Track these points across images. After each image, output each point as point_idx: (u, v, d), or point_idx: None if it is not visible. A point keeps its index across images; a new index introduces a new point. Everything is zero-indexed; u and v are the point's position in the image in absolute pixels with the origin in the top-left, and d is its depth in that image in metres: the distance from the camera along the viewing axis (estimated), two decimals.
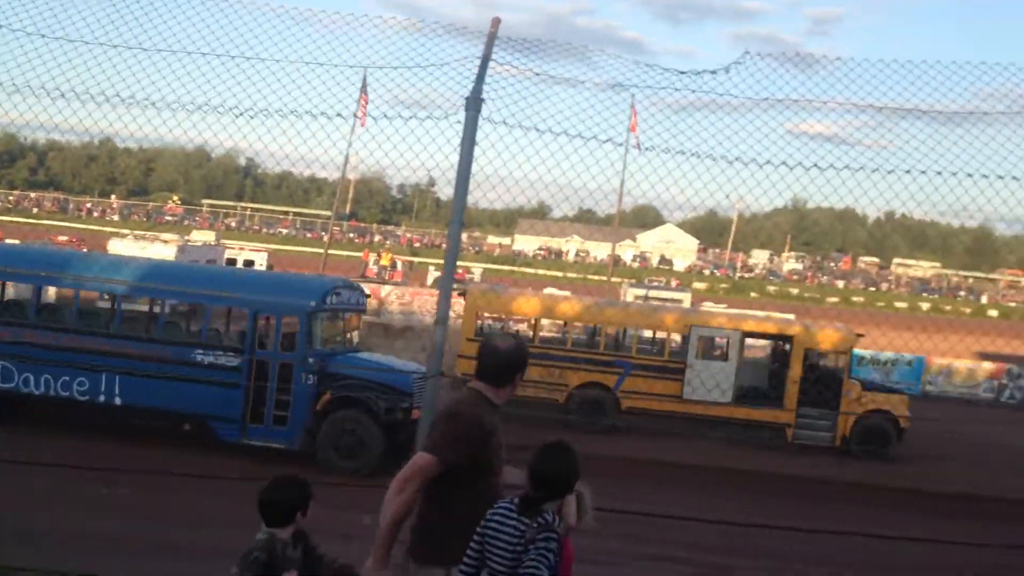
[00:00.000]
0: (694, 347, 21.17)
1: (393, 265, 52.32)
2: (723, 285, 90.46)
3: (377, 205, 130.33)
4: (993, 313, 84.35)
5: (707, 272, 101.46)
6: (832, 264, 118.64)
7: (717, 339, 21.81)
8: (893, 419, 20.18)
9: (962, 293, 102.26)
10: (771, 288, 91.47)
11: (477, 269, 62.42)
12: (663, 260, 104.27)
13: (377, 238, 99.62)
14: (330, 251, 50.01)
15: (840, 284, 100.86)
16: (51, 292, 17.47)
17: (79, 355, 14.36)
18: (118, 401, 14.32)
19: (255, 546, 4.56)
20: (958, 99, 7.18)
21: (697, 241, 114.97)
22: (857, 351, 22.12)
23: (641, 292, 48.29)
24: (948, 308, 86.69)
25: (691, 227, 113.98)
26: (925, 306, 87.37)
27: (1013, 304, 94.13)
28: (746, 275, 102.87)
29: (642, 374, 20.85)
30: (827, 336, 21.15)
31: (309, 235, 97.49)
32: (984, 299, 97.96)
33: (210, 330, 14.83)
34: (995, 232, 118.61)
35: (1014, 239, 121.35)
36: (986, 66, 6.95)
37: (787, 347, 21.48)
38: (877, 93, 7.07)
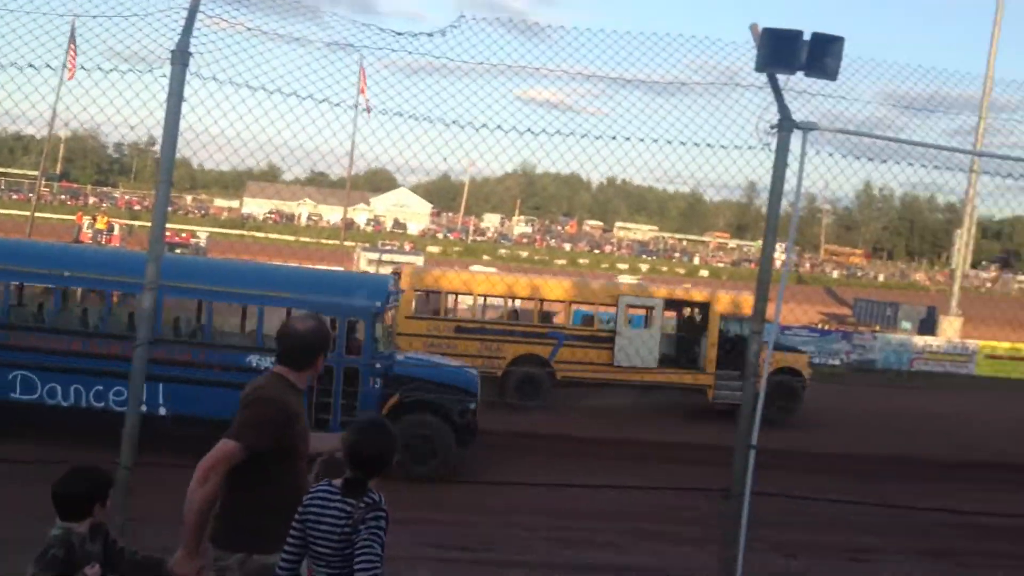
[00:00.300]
0: (622, 316, 21.87)
1: (110, 229, 49.31)
2: (456, 248, 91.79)
3: (92, 165, 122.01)
4: (704, 273, 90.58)
5: (440, 236, 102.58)
6: (559, 227, 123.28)
7: (642, 307, 22.70)
8: (799, 375, 21.78)
9: (677, 254, 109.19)
10: (502, 251, 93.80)
11: (203, 233, 60.01)
12: (397, 224, 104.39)
13: (92, 200, 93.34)
14: (38, 214, 46.40)
15: (567, 247, 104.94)
16: (73, 294, 14.76)
17: (115, 362, 12.40)
18: (163, 411, 12.88)
19: (50, 543, 4.22)
20: (660, 67, 7.43)
21: (431, 205, 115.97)
22: (586, 311, 23.17)
23: (375, 256, 47.98)
24: (665, 269, 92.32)
25: (424, 191, 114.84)
26: (644, 267, 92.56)
27: (721, 264, 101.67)
28: (478, 238, 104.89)
29: (575, 344, 21.42)
30: (738, 302, 22.43)
31: (15, 196, 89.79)
32: (696, 260, 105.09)
33: (266, 333, 13.47)
34: (705, 197, 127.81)
35: (721, 204, 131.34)
36: (684, 38, 7.23)
37: (696, 314, 22.76)
38: (599, 62, 7.20)
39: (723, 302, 22.38)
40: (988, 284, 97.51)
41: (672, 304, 23.08)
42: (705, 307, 22.51)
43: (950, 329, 41.64)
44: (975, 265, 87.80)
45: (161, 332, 13.20)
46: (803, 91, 6.46)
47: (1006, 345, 36.75)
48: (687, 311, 23.79)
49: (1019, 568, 11.16)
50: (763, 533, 10.57)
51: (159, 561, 4.49)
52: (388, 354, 14.03)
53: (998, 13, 38.93)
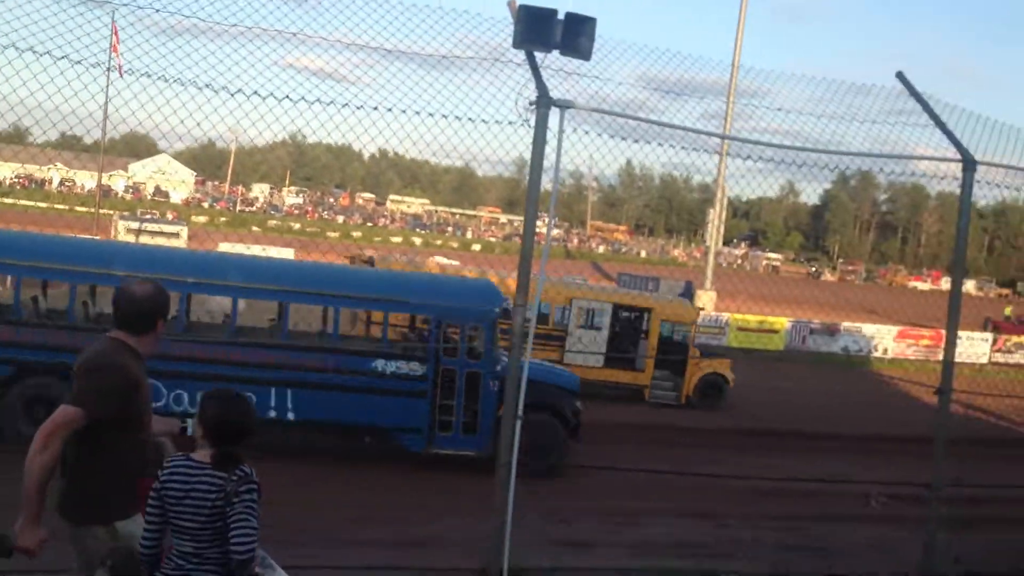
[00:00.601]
0: (574, 317, 22.82)
1: None
2: (223, 219, 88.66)
3: None
4: (477, 247, 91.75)
5: (206, 205, 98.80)
6: (332, 199, 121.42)
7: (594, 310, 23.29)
8: (723, 377, 23.42)
9: (450, 228, 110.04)
10: (272, 222, 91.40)
11: None
12: (159, 192, 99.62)
13: None
14: None
15: (340, 219, 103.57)
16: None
17: (242, 368, 12.62)
18: (291, 416, 13.06)
19: None
20: (423, 38, 7.39)
21: (194, 173, 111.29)
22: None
23: (134, 225, 45.78)
24: (439, 242, 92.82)
25: (188, 158, 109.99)
26: (418, 241, 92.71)
27: (493, 239, 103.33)
28: (247, 209, 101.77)
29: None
30: (676, 309, 24.36)
31: None
32: (469, 234, 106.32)
33: (390, 339, 14.04)
34: (476, 172, 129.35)
35: (492, 179, 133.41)
36: (446, 11, 7.21)
37: (631, 316, 24.02)
38: (358, 30, 7.05)
39: (663, 308, 23.90)
40: (739, 260, 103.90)
41: (619, 308, 24.03)
42: (647, 312, 23.78)
43: (703, 302, 44.05)
44: (727, 242, 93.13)
45: (288, 338, 13.69)
46: (560, 69, 6.58)
47: (753, 317, 39.24)
48: (629, 315, 24.75)
49: (773, 527, 11.95)
50: (543, 502, 10.90)
51: (2, 536, 4.23)
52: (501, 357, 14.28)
53: (743, 2, 41.20)
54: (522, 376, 7.28)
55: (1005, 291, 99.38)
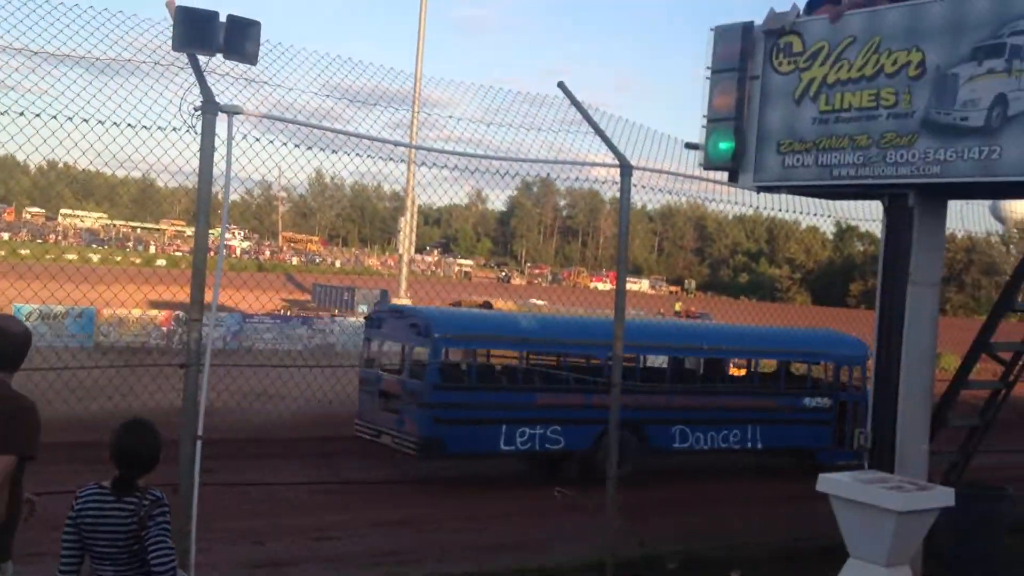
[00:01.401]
0: None
1: None
2: None
3: None
4: (162, 262, 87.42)
5: None
6: None
7: None
8: None
9: (131, 244, 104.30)
10: None
11: None
12: None
13: None
14: None
15: (5, 236, 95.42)
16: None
17: (730, 412, 16.72)
18: (759, 446, 17.08)
19: None
20: (111, 48, 6.96)
21: None
22: (25, 306, 21.14)
23: None
24: (119, 259, 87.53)
25: None
26: (96, 257, 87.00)
27: (179, 253, 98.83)
28: None
29: None
30: None
31: None
32: (152, 249, 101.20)
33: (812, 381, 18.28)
34: (157, 183, 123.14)
35: (175, 190, 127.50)
36: (97, 11, 6.78)
37: None
38: (24, 35, 6.49)
39: None
40: (432, 267, 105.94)
41: None
42: None
43: None
44: (420, 250, 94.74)
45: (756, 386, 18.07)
46: (228, 73, 6.36)
47: None
48: None
49: (467, 528, 12.17)
50: (228, 524, 10.45)
51: None
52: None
53: (422, 13, 41.82)
54: (202, 395, 6.95)
55: (675, 288, 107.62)
